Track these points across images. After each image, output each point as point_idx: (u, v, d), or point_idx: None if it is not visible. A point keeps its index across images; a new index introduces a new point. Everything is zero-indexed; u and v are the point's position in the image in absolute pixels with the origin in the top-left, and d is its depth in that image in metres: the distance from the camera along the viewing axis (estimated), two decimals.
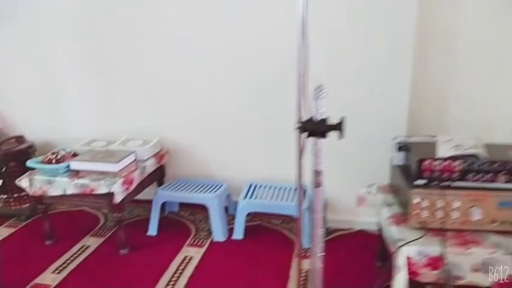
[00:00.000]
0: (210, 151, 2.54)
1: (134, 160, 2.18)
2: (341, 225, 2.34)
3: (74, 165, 2.09)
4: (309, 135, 1.06)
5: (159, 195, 2.33)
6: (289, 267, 1.99)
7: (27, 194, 2.26)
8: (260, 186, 2.42)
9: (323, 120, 1.04)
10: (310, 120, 1.05)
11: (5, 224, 2.51)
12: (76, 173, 2.09)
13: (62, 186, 2.05)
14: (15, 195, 2.53)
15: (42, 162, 2.15)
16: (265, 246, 2.19)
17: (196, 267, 2.01)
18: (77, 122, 2.70)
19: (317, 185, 1.10)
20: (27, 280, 1.92)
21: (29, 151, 2.57)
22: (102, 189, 1.99)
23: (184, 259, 2.08)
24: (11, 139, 2.59)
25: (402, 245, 1.35)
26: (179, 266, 2.02)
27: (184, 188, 2.40)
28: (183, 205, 2.61)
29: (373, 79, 2.09)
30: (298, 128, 1.06)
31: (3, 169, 2.44)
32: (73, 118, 2.70)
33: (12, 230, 2.43)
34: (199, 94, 2.42)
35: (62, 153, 2.18)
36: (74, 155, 2.23)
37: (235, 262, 2.05)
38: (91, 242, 2.27)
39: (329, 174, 1.98)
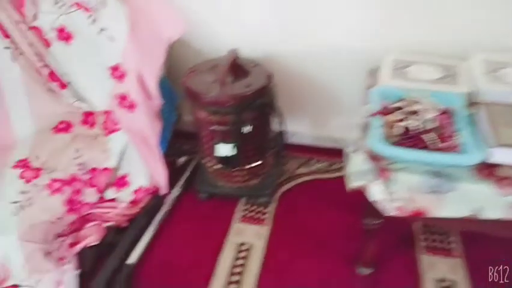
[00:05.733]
0: None
1: None
2: None
3: (501, 155, 0.86)
4: None
5: None
6: None
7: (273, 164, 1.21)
8: None
9: None
10: None
11: (242, 212, 1.43)
12: (489, 171, 0.88)
13: (470, 202, 0.88)
14: (248, 166, 1.40)
15: (397, 140, 0.93)
16: None
17: None
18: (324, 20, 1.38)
19: None
20: None
21: (269, 86, 1.34)
22: None
23: None
24: (226, 62, 1.32)
25: None
26: None
27: None
28: None
29: None
30: None
31: (244, 129, 1.26)
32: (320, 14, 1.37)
33: (265, 232, 1.35)
34: None
35: (431, 116, 0.93)
36: (446, 113, 0.97)
37: None
38: (443, 271, 1.19)
39: None
